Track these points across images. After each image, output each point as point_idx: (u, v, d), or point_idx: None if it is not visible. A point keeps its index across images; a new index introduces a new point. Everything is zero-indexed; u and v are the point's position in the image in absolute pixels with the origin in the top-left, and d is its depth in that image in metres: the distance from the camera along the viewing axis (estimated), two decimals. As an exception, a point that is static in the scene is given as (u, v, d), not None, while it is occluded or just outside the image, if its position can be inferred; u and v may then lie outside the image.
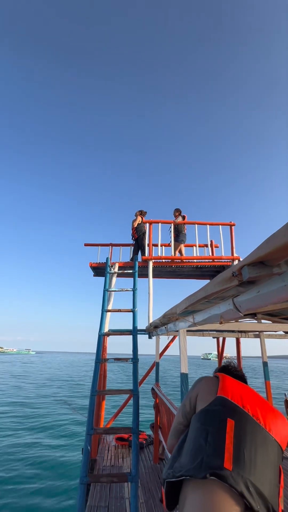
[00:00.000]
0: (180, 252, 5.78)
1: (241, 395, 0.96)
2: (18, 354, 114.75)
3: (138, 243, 5.90)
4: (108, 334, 4.05)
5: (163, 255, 5.50)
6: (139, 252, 5.89)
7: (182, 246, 5.79)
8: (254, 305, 1.14)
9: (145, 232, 5.78)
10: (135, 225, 5.97)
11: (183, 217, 6.07)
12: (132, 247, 6.04)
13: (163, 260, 5.40)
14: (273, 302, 1.03)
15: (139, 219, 6.01)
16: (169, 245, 5.67)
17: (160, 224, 5.61)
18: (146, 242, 5.64)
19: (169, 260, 5.43)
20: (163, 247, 5.69)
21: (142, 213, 6.10)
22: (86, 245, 6.12)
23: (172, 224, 5.70)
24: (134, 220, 6.05)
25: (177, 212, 6.14)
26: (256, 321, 3.58)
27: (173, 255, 5.52)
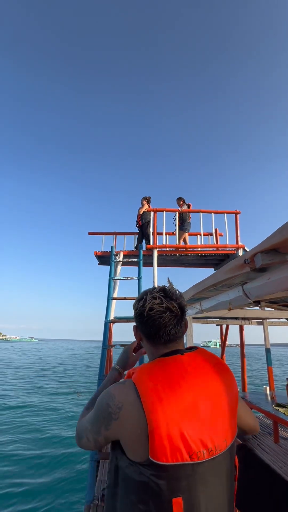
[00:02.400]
0: (184, 241, 5.79)
1: (182, 429, 0.61)
2: (21, 342, 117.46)
3: (143, 231, 5.90)
4: (114, 321, 4.14)
5: (168, 243, 5.52)
6: (143, 241, 5.90)
7: (186, 235, 5.79)
8: (264, 291, 1.17)
9: (149, 221, 5.77)
10: (141, 212, 5.94)
11: (188, 206, 6.03)
12: (137, 236, 6.05)
13: (168, 249, 5.42)
14: (284, 289, 1.06)
15: (146, 206, 5.98)
16: (173, 233, 5.67)
17: (164, 212, 5.58)
18: (151, 230, 5.63)
19: (173, 249, 5.44)
20: (168, 235, 5.69)
21: (148, 201, 6.07)
22: (90, 233, 6.13)
23: (177, 212, 5.67)
24: (141, 208, 6.02)
25: (181, 200, 6.09)
26: (260, 308, 3.63)
27: (177, 243, 5.53)
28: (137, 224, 6.04)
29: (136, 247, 5.86)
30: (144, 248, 5.54)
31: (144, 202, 6.06)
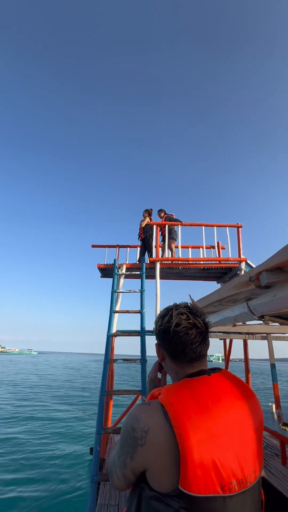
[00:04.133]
0: (171, 249, 5.79)
1: (214, 457, 0.57)
2: (20, 354, 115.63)
3: (145, 244, 5.95)
4: (116, 335, 4.10)
5: (170, 256, 5.54)
6: (146, 253, 5.94)
7: (173, 244, 5.81)
8: (269, 308, 1.17)
9: (152, 234, 5.83)
10: (143, 225, 6.01)
11: (171, 215, 6.09)
12: (139, 248, 6.09)
13: (170, 262, 5.43)
14: (289, 306, 1.07)
15: (147, 219, 6.06)
16: (161, 246, 5.73)
17: (167, 226, 5.65)
18: (153, 243, 5.68)
19: (176, 262, 5.46)
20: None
21: (149, 213, 6.15)
22: (93, 246, 6.18)
23: (160, 224, 5.75)
24: (143, 221, 6.10)
25: (162, 212, 6.17)
26: (264, 323, 3.59)
27: (166, 254, 5.53)
28: (139, 237, 6.10)
29: (138, 260, 5.88)
30: (147, 261, 5.56)
31: (146, 215, 6.14)
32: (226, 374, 0.71)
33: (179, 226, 5.72)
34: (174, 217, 6.03)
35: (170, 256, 5.62)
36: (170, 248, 5.71)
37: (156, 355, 0.82)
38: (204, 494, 0.55)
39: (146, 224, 5.99)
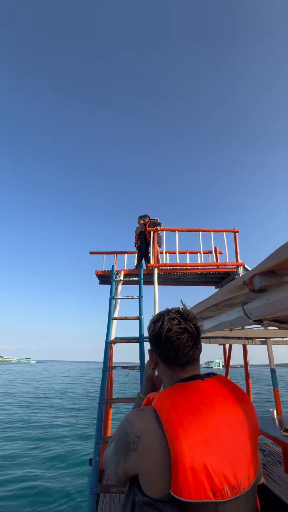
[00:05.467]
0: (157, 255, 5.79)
1: (205, 462, 0.56)
2: (18, 364, 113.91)
3: (142, 251, 5.96)
4: (115, 342, 4.07)
5: (168, 262, 5.56)
6: (143, 260, 5.94)
7: (158, 249, 5.81)
8: (264, 312, 1.18)
9: (148, 241, 5.85)
10: (138, 232, 6.04)
11: (156, 220, 6.08)
12: (137, 255, 6.10)
13: (168, 268, 5.44)
14: (283, 309, 1.07)
15: (142, 226, 6.09)
16: (149, 252, 5.74)
17: (164, 232, 5.68)
18: (151, 249, 5.70)
19: (174, 267, 5.47)
20: (168, 254, 5.74)
21: (144, 219, 6.17)
22: (91, 253, 6.19)
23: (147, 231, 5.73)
24: (137, 227, 6.13)
25: (146, 217, 6.16)
26: (263, 328, 3.59)
27: (153, 260, 5.50)
28: (135, 244, 6.12)
29: (136, 266, 5.89)
30: (144, 267, 5.57)
31: (140, 221, 6.17)
32: (220, 379, 0.72)
33: (176, 231, 5.76)
34: (158, 221, 6.03)
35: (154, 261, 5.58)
36: (157, 253, 5.69)
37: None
38: (196, 499, 0.54)
39: (141, 231, 6.02)
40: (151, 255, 5.63)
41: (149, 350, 0.80)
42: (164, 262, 5.54)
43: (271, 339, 4.69)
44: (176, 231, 5.74)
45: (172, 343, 0.71)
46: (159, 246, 5.78)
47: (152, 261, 5.52)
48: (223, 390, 0.68)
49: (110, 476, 0.68)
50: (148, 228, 5.86)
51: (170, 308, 0.78)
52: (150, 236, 5.73)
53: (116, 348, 4.75)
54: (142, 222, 6.14)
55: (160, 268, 5.39)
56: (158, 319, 0.76)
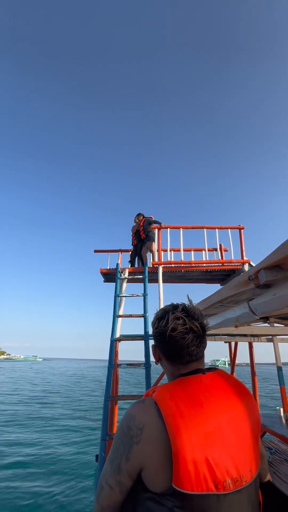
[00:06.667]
0: (151, 251, 5.76)
1: (206, 454, 0.56)
2: (25, 361, 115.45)
3: (137, 250, 5.95)
4: (120, 340, 4.08)
5: (173, 259, 5.54)
6: (136, 259, 5.92)
7: (153, 244, 5.78)
8: (270, 308, 1.16)
9: (142, 239, 5.84)
10: (134, 231, 6.03)
11: (150, 218, 6.09)
12: (130, 253, 6.07)
13: (173, 265, 5.42)
14: (289, 305, 1.06)
15: (137, 224, 6.09)
16: (178, 249, 5.71)
17: (169, 229, 5.65)
18: (155, 247, 5.68)
19: (179, 265, 5.45)
20: (172, 251, 5.72)
21: (138, 218, 6.15)
22: (96, 251, 6.21)
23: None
24: (134, 226, 6.13)
25: (141, 216, 6.16)
26: (269, 325, 3.55)
27: (158, 258, 5.48)
28: (132, 242, 6.11)
29: (130, 264, 5.90)
30: (137, 265, 5.61)
31: (136, 220, 6.16)
32: (221, 373, 0.71)
33: (180, 229, 5.72)
34: (153, 219, 6.01)
35: (158, 259, 5.56)
36: (150, 250, 5.66)
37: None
38: (197, 491, 0.54)
39: (137, 230, 6.02)
40: (156, 253, 5.62)
41: (152, 345, 0.79)
42: (169, 259, 5.51)
43: (277, 336, 4.64)
44: (181, 229, 5.70)
45: (176, 342, 0.70)
46: (151, 243, 5.78)
47: (157, 259, 5.51)
48: (224, 383, 0.68)
49: (107, 495, 0.61)
50: (153, 226, 5.85)
51: (175, 304, 0.77)
52: (144, 234, 5.76)
53: (121, 345, 4.76)
54: (137, 220, 6.13)
55: (165, 265, 5.38)
56: (163, 316, 0.74)
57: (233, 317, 1.46)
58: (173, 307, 0.75)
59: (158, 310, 0.81)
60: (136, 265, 5.79)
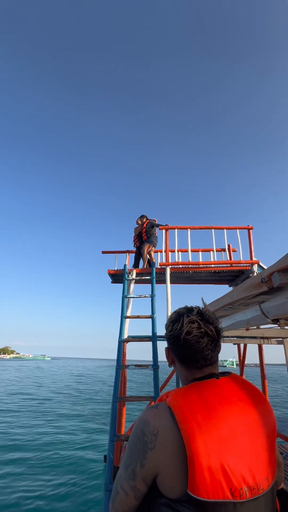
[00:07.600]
0: (149, 254, 5.70)
1: (222, 461, 0.55)
2: (34, 360, 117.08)
3: (140, 251, 5.89)
4: (127, 341, 4.08)
5: (180, 260, 5.50)
6: (141, 260, 5.87)
7: (152, 248, 5.72)
8: (283, 311, 1.13)
9: (144, 241, 5.81)
10: (137, 233, 5.98)
11: (154, 220, 6.04)
12: (134, 254, 6.03)
13: (181, 266, 5.39)
14: (304, 308, 1.03)
15: (140, 226, 6.02)
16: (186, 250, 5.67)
17: (176, 230, 5.62)
18: (144, 249, 5.65)
19: (187, 266, 5.41)
20: (180, 252, 5.68)
21: (142, 220, 6.08)
22: (103, 252, 6.24)
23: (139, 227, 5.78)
24: (136, 228, 6.07)
25: (144, 218, 6.10)
26: (279, 327, 3.48)
27: (165, 259, 5.44)
28: (134, 244, 6.06)
29: (133, 266, 5.84)
30: (140, 266, 5.59)
31: (139, 222, 6.10)
32: (235, 378, 0.70)
33: (188, 229, 5.68)
34: (156, 222, 5.95)
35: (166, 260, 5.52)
36: (144, 251, 5.63)
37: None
38: (213, 499, 0.53)
39: (140, 231, 5.96)
40: (163, 254, 5.60)
41: (166, 348, 0.78)
42: (176, 260, 5.48)
43: (287, 339, 4.55)
44: (189, 229, 5.66)
45: (191, 346, 0.68)
46: (154, 246, 5.77)
47: (164, 260, 5.48)
48: (238, 389, 0.66)
49: (122, 501, 0.61)
50: (161, 227, 5.83)
51: (190, 307, 0.75)
52: (146, 236, 5.74)
53: (129, 345, 4.76)
54: (140, 222, 6.08)
55: (173, 266, 5.36)
56: (177, 319, 0.72)
57: (244, 320, 1.44)
58: (188, 310, 0.73)
59: (171, 312, 0.79)
60: (140, 267, 5.76)
